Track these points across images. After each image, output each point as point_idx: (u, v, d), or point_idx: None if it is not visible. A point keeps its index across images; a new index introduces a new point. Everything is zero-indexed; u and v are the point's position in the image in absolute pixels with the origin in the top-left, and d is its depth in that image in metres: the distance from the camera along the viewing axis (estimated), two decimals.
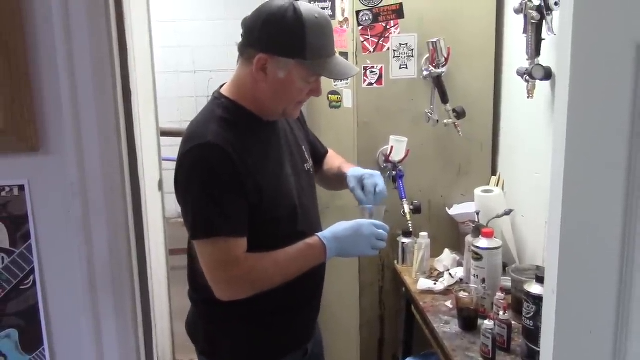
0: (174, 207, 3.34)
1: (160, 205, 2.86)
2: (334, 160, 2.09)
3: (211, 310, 1.79)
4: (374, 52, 2.67)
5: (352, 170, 1.95)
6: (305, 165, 1.86)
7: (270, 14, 1.59)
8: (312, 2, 2.78)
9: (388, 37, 2.65)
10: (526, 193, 2.56)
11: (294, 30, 1.58)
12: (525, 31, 2.25)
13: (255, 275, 1.65)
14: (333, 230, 1.72)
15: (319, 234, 1.71)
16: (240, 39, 1.67)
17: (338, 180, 2.01)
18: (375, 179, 1.89)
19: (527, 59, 2.27)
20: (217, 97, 1.72)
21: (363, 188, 1.88)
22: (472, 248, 2.31)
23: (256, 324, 1.76)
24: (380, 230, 1.74)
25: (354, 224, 1.73)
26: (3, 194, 1.19)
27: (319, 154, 2.06)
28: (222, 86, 1.76)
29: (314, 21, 1.60)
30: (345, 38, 2.69)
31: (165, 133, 3.15)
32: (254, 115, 1.71)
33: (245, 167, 1.61)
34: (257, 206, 1.64)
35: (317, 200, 1.92)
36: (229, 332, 1.79)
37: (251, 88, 1.67)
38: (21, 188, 1.19)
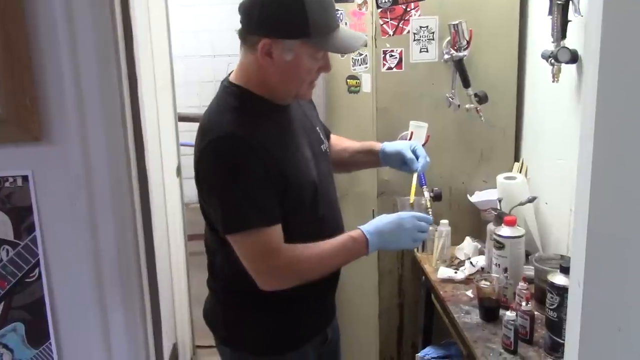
0: (192, 192, 3.32)
1: (178, 190, 2.86)
2: (343, 140, 2.08)
3: (230, 298, 1.78)
4: (393, 35, 2.61)
5: (391, 144, 1.98)
6: (322, 146, 1.83)
7: None
8: None
9: (408, 20, 2.59)
10: (550, 180, 2.50)
11: (294, 9, 1.53)
12: (550, 12, 2.19)
13: (299, 266, 1.63)
14: (375, 223, 1.70)
15: (362, 227, 1.69)
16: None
17: (365, 156, 2.02)
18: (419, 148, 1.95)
19: (553, 42, 2.20)
20: (227, 86, 1.69)
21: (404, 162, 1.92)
22: (494, 236, 2.27)
23: (275, 311, 1.75)
24: (422, 223, 1.73)
25: (396, 217, 1.71)
26: (7, 184, 1.18)
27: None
28: (230, 74, 1.72)
29: None
30: (364, 21, 2.64)
31: (183, 118, 3.13)
32: (266, 101, 1.67)
33: (267, 155, 1.58)
34: (283, 193, 1.61)
35: (335, 183, 1.89)
36: (248, 320, 1.78)
37: (260, 74, 1.63)
38: (25, 179, 1.17)
